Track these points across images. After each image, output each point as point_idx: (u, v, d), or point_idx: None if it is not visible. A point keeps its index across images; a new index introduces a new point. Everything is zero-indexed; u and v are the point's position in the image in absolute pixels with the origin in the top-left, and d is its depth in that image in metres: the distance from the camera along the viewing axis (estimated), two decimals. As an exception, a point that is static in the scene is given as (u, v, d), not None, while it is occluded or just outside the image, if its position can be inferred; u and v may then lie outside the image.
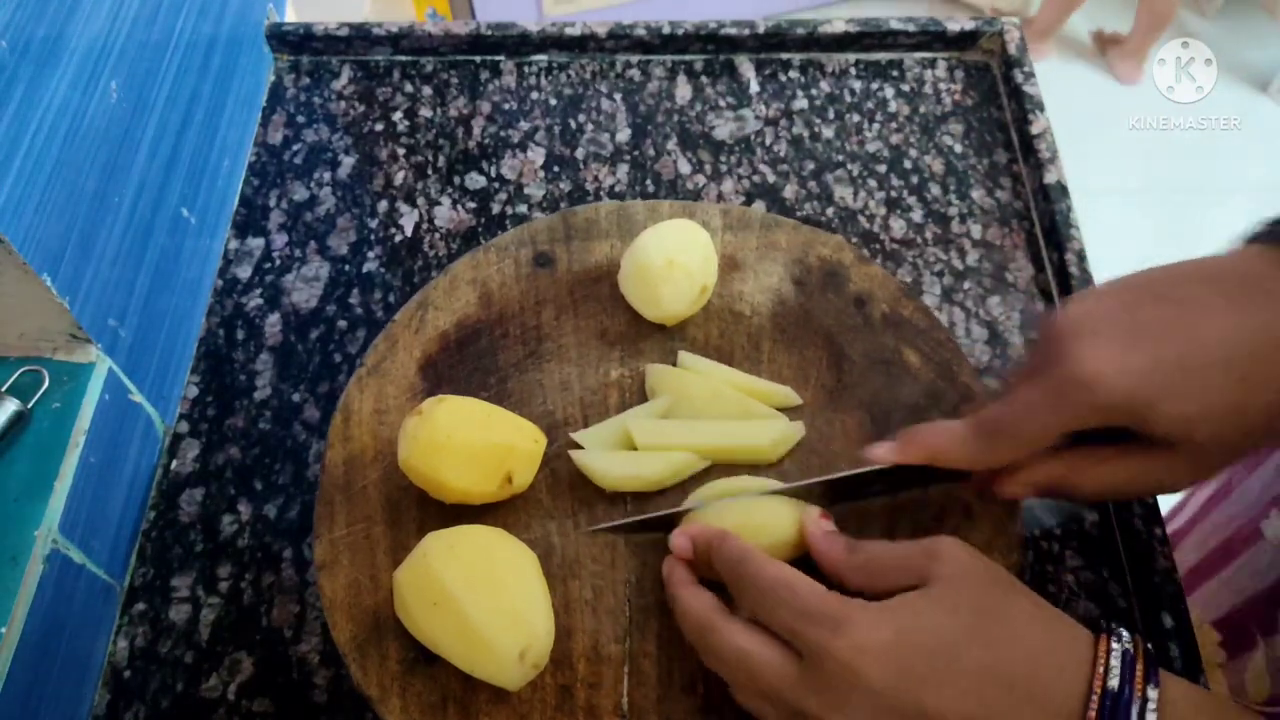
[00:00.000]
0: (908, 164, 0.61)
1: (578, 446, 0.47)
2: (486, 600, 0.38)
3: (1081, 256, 0.55)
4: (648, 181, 0.60)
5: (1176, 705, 0.32)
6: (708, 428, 0.46)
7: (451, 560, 0.39)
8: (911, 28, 0.64)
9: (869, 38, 0.65)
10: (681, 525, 0.43)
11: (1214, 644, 0.55)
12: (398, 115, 0.63)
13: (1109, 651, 0.33)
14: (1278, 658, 0.50)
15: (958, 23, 0.65)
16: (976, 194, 0.60)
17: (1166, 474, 0.36)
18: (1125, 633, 0.34)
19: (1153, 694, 0.32)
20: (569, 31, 0.65)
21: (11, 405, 0.42)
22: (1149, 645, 0.34)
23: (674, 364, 0.49)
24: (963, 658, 0.32)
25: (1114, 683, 0.32)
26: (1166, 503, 0.69)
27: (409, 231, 0.58)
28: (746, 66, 0.66)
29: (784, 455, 0.47)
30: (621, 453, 0.46)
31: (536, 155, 0.61)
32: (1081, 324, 0.36)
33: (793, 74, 0.65)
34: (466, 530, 0.41)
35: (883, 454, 0.41)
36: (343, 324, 0.54)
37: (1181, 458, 0.35)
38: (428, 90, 0.65)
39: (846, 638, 0.33)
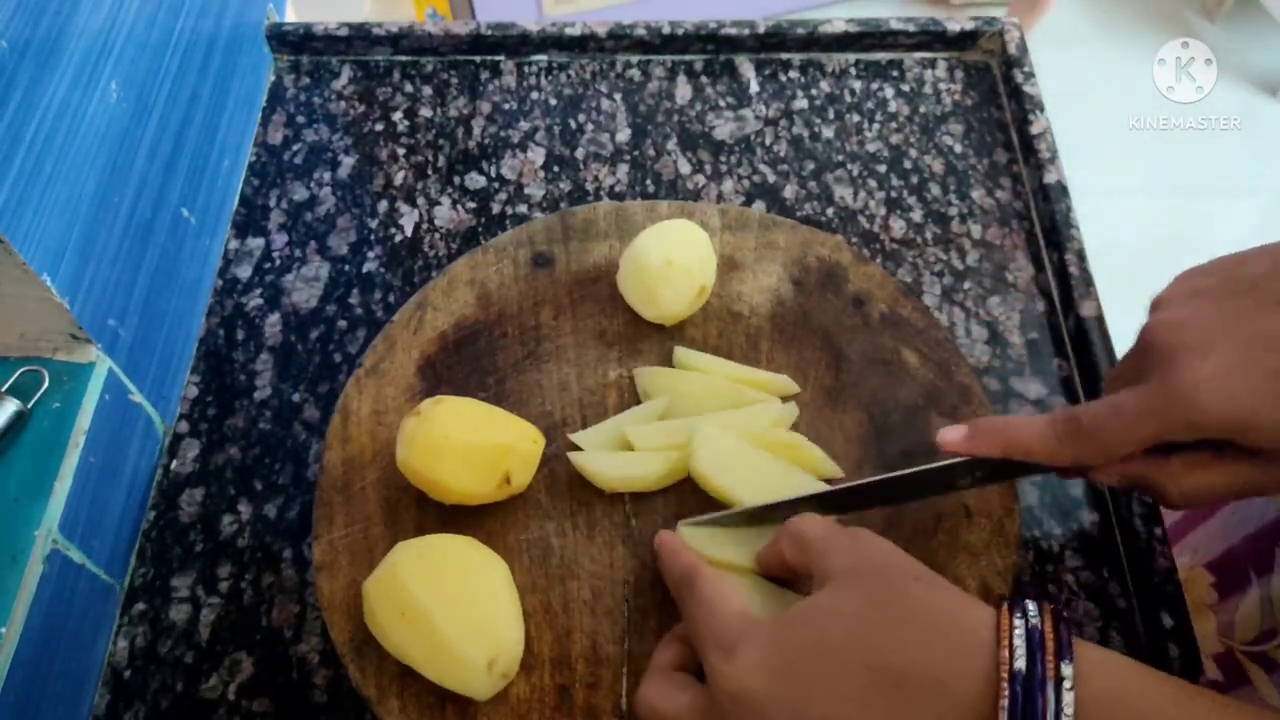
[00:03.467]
0: (908, 164, 0.61)
1: (576, 447, 0.47)
2: (454, 610, 0.38)
3: (1081, 256, 0.55)
4: (648, 181, 0.60)
5: (1094, 679, 0.29)
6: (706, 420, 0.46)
7: (420, 570, 0.39)
8: (911, 28, 0.64)
9: (869, 38, 0.65)
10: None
11: (1206, 585, 0.55)
12: (398, 115, 0.63)
13: (1011, 630, 0.30)
14: (1269, 595, 0.49)
15: (958, 23, 0.65)
16: (976, 194, 0.60)
17: (1259, 481, 0.35)
18: (1031, 605, 0.31)
19: (1067, 670, 0.29)
20: (569, 31, 0.65)
21: (11, 405, 0.42)
22: (1064, 614, 0.31)
23: (670, 363, 0.49)
24: (844, 661, 0.31)
25: (1020, 664, 0.29)
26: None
27: (409, 231, 0.58)
28: (746, 66, 0.66)
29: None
30: (619, 453, 0.46)
31: (536, 155, 0.61)
32: (1183, 333, 0.34)
33: (793, 74, 0.65)
34: (436, 540, 0.41)
35: (955, 440, 0.40)
36: (343, 324, 0.54)
37: (1276, 465, 0.34)
38: (428, 90, 0.65)
39: (733, 662, 0.33)
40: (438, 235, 0.58)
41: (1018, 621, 0.30)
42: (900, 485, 0.42)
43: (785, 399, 0.48)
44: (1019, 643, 0.30)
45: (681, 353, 0.49)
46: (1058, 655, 0.29)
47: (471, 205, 0.59)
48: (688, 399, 0.47)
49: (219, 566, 0.47)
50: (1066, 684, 0.29)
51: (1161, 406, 0.34)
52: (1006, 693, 0.29)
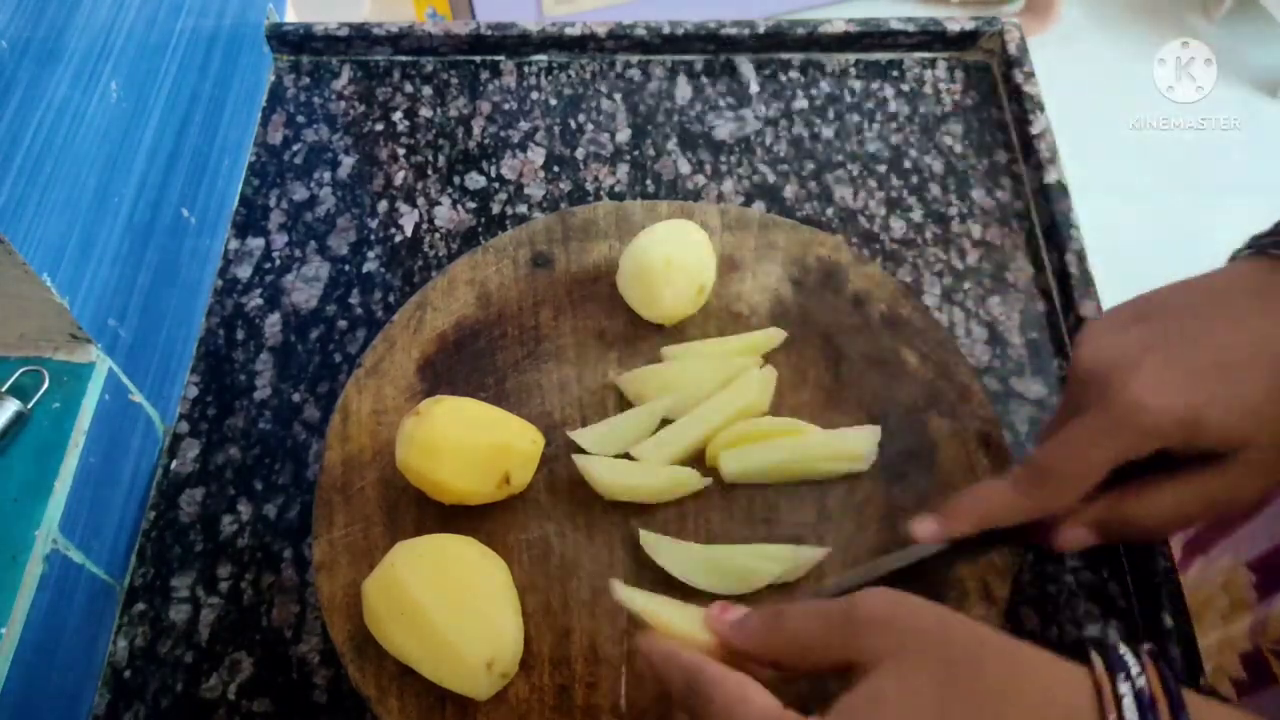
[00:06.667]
0: (908, 164, 0.61)
1: (576, 447, 0.47)
2: (454, 610, 0.38)
3: (1081, 256, 0.55)
4: (648, 181, 0.60)
5: None
6: (700, 413, 0.47)
7: (419, 570, 0.39)
8: (911, 28, 0.64)
9: (869, 38, 0.65)
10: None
11: (1248, 584, 0.55)
12: (398, 115, 0.63)
13: (1119, 700, 0.27)
14: None
15: (958, 23, 0.65)
16: (976, 194, 0.59)
17: (1229, 489, 0.36)
18: (1132, 662, 0.28)
19: None
20: (569, 31, 0.65)
21: (11, 405, 0.42)
22: (1165, 663, 0.28)
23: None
24: None
25: None
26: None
27: (409, 231, 0.58)
28: (746, 66, 0.66)
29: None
30: (624, 461, 0.46)
31: (536, 155, 0.61)
32: (1113, 356, 0.36)
33: (793, 74, 0.65)
34: (435, 540, 0.41)
35: (929, 531, 0.39)
36: (343, 324, 0.54)
37: (1239, 468, 0.35)
38: (428, 90, 0.65)
39: None
40: (438, 235, 0.58)
41: (1124, 688, 0.27)
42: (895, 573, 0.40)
43: (765, 358, 0.49)
44: (1130, 714, 0.26)
45: (669, 350, 0.49)
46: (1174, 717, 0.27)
47: (471, 205, 0.59)
48: (678, 391, 0.47)
49: (219, 566, 0.47)
50: None
51: (1112, 424, 0.35)
52: None
